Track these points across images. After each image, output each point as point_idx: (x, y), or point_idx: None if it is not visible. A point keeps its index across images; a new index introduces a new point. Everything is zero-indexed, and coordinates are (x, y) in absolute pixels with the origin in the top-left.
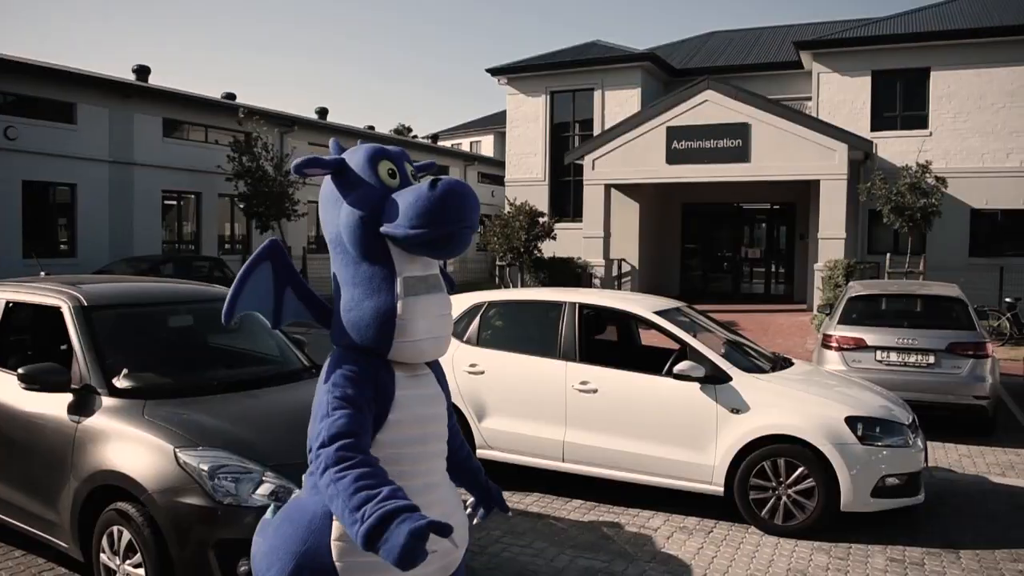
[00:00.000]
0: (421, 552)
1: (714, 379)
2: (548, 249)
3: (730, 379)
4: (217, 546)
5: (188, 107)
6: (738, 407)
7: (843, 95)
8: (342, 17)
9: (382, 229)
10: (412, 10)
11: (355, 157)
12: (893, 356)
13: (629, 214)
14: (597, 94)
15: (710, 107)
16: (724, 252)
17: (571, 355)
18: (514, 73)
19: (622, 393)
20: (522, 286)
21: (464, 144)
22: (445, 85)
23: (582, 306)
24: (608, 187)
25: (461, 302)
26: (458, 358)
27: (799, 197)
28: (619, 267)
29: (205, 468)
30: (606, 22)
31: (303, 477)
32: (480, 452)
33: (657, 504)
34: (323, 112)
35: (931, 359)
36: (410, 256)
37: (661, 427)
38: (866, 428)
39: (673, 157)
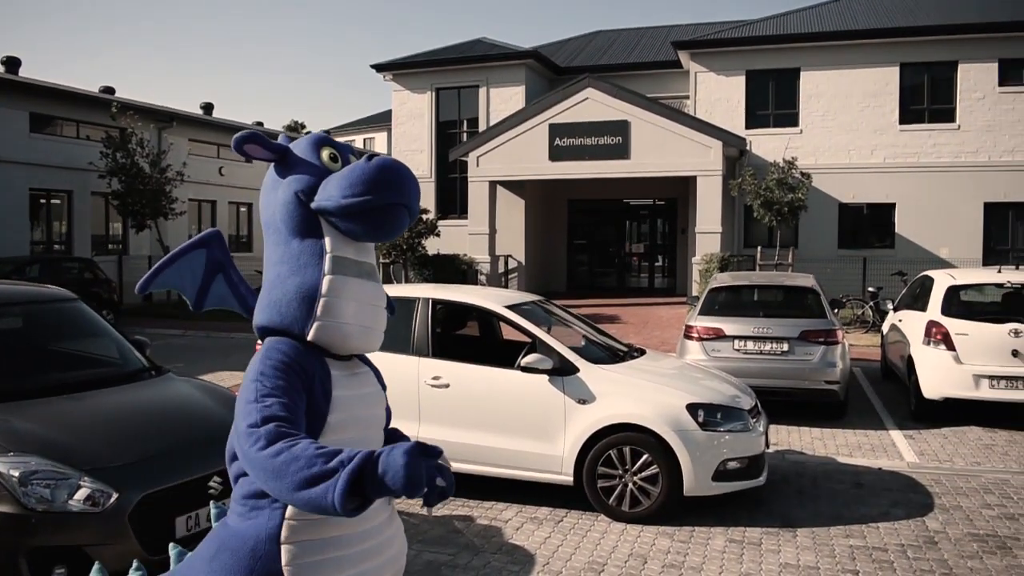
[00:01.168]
0: (423, 471)
1: (562, 371)
2: (433, 246)
3: (577, 370)
4: (30, 554)
5: (58, 101)
6: (585, 398)
7: (719, 94)
8: (232, 10)
9: (314, 203)
10: (306, 2)
11: (299, 144)
12: (750, 345)
13: (515, 211)
14: (482, 91)
15: (591, 105)
16: (610, 247)
17: (424, 351)
18: (399, 69)
19: (474, 387)
20: (406, 283)
21: (358, 141)
22: (342, 81)
23: (435, 302)
24: (493, 184)
25: None
26: None
27: (680, 193)
28: (506, 263)
29: (16, 474)
30: (494, 19)
31: (229, 502)
32: None
33: (511, 496)
34: (208, 107)
35: (785, 347)
36: (344, 238)
37: (512, 420)
38: (707, 414)
39: (556, 154)
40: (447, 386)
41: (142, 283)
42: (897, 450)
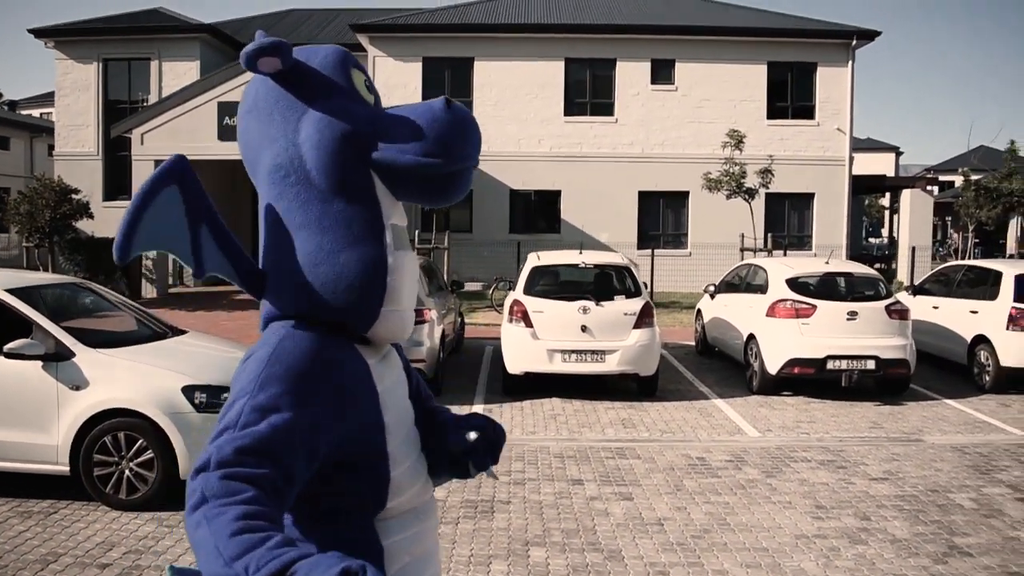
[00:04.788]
0: None
1: (56, 356)
2: (99, 229)
3: (73, 355)
4: None
5: None
6: (79, 383)
7: (397, 79)
8: None
9: (379, 154)
10: None
11: (317, 57)
12: None
13: None
14: (154, 65)
15: None
16: None
17: None
18: (62, 36)
19: None
20: (54, 270)
21: (54, 114)
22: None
23: None
24: (160, 163)
25: None
26: None
27: None
28: None
29: None
30: None
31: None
32: None
33: (10, 490)
34: None
35: None
36: (393, 199)
37: (1, 409)
38: (210, 396)
39: (225, 133)
40: None
41: (119, 244)
42: None
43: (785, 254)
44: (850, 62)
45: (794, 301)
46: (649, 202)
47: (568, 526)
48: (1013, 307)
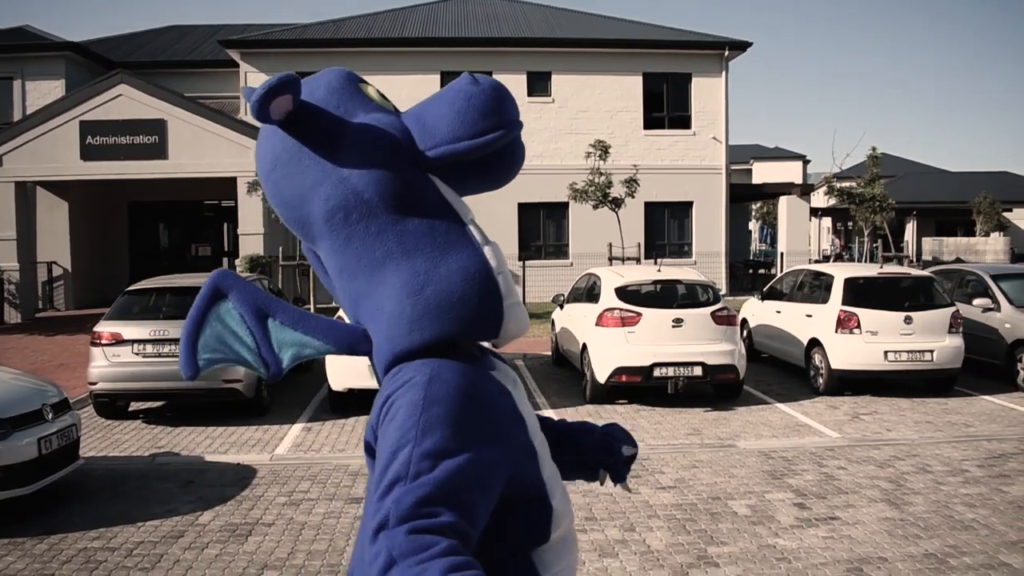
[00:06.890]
0: None
1: None
2: None
3: None
4: None
5: None
6: None
7: None
8: None
9: (433, 152)
10: None
11: (320, 87)
12: (149, 348)
13: (60, 213)
14: (17, 84)
15: (125, 102)
16: (176, 250)
17: None
18: None
19: None
20: None
21: None
22: None
23: None
24: (25, 184)
25: None
26: None
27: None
28: (49, 271)
29: None
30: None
31: None
32: None
33: None
34: None
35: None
36: (457, 196)
37: None
38: None
39: (88, 153)
40: None
41: (184, 361)
42: (278, 442)
43: (655, 262)
44: (724, 72)
45: (620, 310)
46: (530, 214)
47: (319, 547)
48: (841, 310)
